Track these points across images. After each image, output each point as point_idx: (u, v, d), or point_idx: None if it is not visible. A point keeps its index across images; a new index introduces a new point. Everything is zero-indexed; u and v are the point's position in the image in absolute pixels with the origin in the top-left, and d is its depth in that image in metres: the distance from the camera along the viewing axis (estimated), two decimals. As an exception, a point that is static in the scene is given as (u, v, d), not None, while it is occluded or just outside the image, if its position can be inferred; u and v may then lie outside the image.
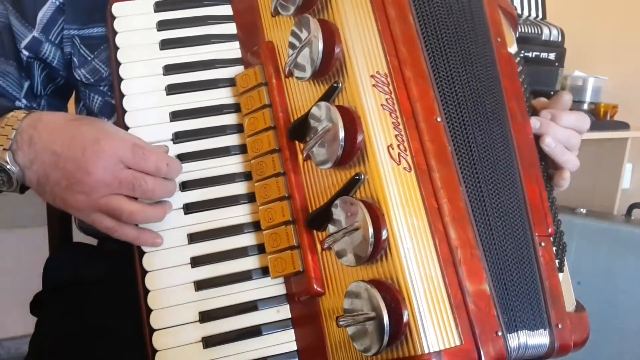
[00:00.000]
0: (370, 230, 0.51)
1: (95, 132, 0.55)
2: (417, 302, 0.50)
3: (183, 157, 0.64)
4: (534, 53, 1.31)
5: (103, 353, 0.67)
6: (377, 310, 0.49)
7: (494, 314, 0.52)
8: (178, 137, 0.64)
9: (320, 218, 0.57)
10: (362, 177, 0.54)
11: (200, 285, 0.60)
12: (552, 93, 0.84)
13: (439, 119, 0.58)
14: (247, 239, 0.62)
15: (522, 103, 0.63)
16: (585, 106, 2.00)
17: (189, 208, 0.62)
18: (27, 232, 1.60)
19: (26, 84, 0.73)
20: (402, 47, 0.58)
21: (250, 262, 0.61)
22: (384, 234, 0.51)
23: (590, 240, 1.70)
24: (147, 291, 0.60)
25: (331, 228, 0.55)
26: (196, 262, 0.61)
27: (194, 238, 0.61)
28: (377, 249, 0.51)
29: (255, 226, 0.62)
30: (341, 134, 0.53)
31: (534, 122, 0.63)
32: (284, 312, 0.60)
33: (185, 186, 0.63)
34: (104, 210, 0.56)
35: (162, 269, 0.60)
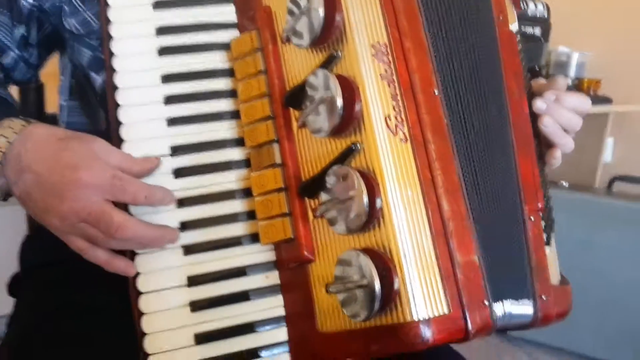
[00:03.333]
0: (365, 200, 0.51)
1: (77, 159, 0.54)
2: (408, 271, 0.51)
3: (174, 121, 0.63)
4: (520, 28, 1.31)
5: (87, 329, 0.66)
6: (369, 277, 0.50)
7: (481, 284, 0.54)
8: (169, 100, 0.63)
9: (313, 186, 0.57)
10: (358, 146, 0.54)
11: (189, 249, 0.60)
12: (537, 69, 0.85)
13: (436, 92, 0.58)
14: (237, 205, 0.62)
15: (521, 80, 0.64)
16: (570, 82, 2.04)
17: (179, 174, 0.61)
18: (5, 210, 1.56)
19: (20, 31, 0.70)
20: (403, 18, 0.58)
21: (240, 228, 0.61)
22: (378, 204, 0.52)
23: (572, 212, 1.74)
24: (134, 254, 0.59)
25: (324, 196, 0.55)
26: (185, 226, 0.60)
27: (183, 203, 0.61)
28: (371, 218, 0.52)
29: (247, 193, 0.62)
30: (339, 103, 0.53)
31: (540, 104, 0.63)
32: (272, 278, 0.60)
33: (176, 150, 0.62)
34: (77, 234, 0.55)
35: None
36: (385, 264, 0.51)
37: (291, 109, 0.60)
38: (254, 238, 0.61)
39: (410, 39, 0.58)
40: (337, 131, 0.55)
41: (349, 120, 0.54)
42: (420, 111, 0.56)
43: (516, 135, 0.62)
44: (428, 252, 0.52)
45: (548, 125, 0.65)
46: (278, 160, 0.60)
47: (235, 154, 0.63)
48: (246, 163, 0.63)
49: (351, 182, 0.52)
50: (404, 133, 0.55)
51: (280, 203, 0.58)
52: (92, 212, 0.54)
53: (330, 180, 0.54)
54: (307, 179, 0.58)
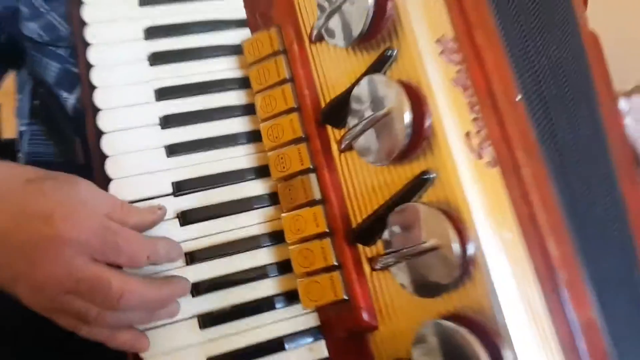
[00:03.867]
0: (456, 249, 0.37)
1: (53, 207, 0.39)
2: (521, 345, 0.37)
3: (175, 150, 0.48)
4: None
5: None
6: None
7: (605, 350, 0.41)
8: (167, 122, 0.49)
9: (372, 229, 0.43)
10: (431, 175, 0.40)
11: (206, 320, 0.45)
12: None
13: (519, 98, 0.45)
14: (264, 257, 0.47)
15: (611, 87, 0.51)
16: None
17: (186, 219, 0.47)
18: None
19: None
20: (469, 6, 0.45)
21: (269, 287, 0.47)
22: (470, 251, 0.38)
23: None
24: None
25: (388, 243, 0.41)
26: (198, 289, 0.46)
27: (194, 258, 0.46)
28: (462, 270, 0.38)
29: (274, 238, 0.48)
30: (407, 119, 0.39)
31: (624, 104, 0.51)
32: (318, 350, 0.46)
33: (180, 188, 0.47)
34: (61, 310, 0.40)
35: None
36: (488, 337, 0.37)
37: (329, 128, 0.46)
38: (290, 298, 0.46)
39: (481, 32, 0.44)
40: (401, 156, 0.41)
41: (417, 140, 0.41)
42: (505, 124, 0.43)
43: (614, 151, 0.49)
44: (539, 310, 0.39)
45: (630, 126, 0.52)
46: (317, 195, 0.46)
47: (256, 188, 0.49)
48: (271, 199, 0.49)
49: (430, 223, 0.38)
50: (490, 155, 0.41)
51: (326, 253, 0.44)
52: (83, 279, 0.39)
53: (396, 221, 0.40)
54: (359, 219, 0.44)
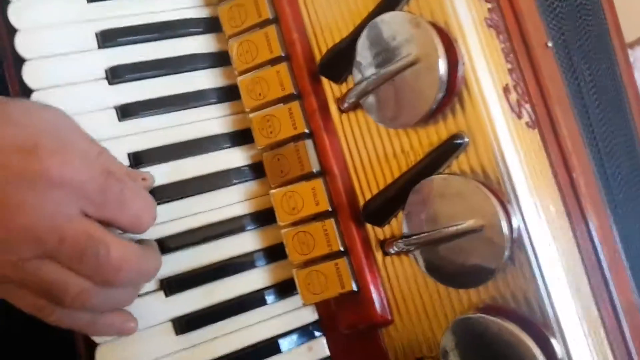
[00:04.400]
0: (504, 229, 0.30)
1: (34, 134, 0.28)
2: (571, 335, 0.32)
3: (128, 111, 0.38)
4: None
5: None
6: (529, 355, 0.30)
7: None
8: (116, 75, 0.38)
9: (385, 207, 0.35)
10: (465, 139, 0.33)
11: (183, 324, 0.36)
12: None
13: (550, 44, 0.38)
14: (248, 242, 0.39)
15: (622, 37, 0.45)
16: None
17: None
18: None
19: None
20: None
21: (258, 279, 0.39)
22: (516, 230, 0.32)
23: None
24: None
25: (409, 223, 0.34)
26: (171, 286, 0.37)
27: (163, 246, 0.37)
28: (509, 254, 0.32)
29: (260, 219, 0.39)
30: (441, 68, 0.31)
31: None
32: (319, 349, 0.39)
33: (139, 160, 0.37)
34: (30, 281, 0.29)
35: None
36: (535, 331, 0.31)
37: (325, 82, 0.37)
38: (282, 291, 0.39)
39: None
40: (426, 117, 0.33)
41: (446, 97, 0.33)
42: (540, 77, 0.36)
43: (633, 109, 0.44)
44: (588, 299, 0.34)
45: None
46: (316, 166, 0.37)
47: (234, 158, 0.40)
48: (254, 171, 0.40)
49: (469, 199, 0.31)
50: (529, 114, 0.35)
51: (329, 236, 0.36)
52: (70, 237, 0.28)
53: (420, 197, 0.33)
54: (368, 194, 0.36)
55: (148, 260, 0.32)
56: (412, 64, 0.31)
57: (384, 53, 0.33)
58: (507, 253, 0.31)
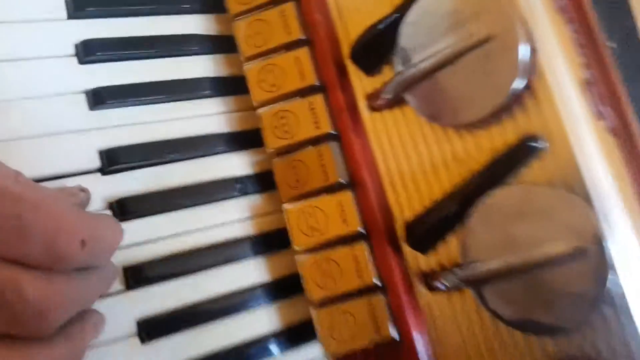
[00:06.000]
0: (609, 252, 0.23)
1: None
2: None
3: (100, 97, 0.29)
4: None
5: None
6: None
7: None
8: (89, 51, 0.29)
9: (436, 228, 0.28)
10: (542, 144, 0.26)
11: (162, 382, 0.27)
12: None
13: (609, 43, 0.32)
14: (249, 273, 0.30)
15: None
16: None
17: (123, 211, 0.28)
18: None
19: None
20: None
21: (262, 321, 0.30)
22: (608, 256, 0.25)
23: None
24: None
25: (469, 248, 0.26)
26: (150, 331, 0.27)
27: (138, 278, 0.28)
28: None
29: (265, 244, 0.31)
30: (522, 50, 0.25)
31: None
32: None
33: (111, 161, 0.28)
34: None
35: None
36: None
37: (352, 74, 0.30)
38: (295, 337, 0.30)
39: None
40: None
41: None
42: (610, 74, 0.30)
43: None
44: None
45: None
46: (343, 175, 0.29)
47: (233, 164, 0.31)
48: (258, 182, 0.31)
49: (564, 216, 0.24)
50: (609, 117, 0.28)
51: (361, 265, 0.28)
52: None
53: (490, 213, 0.26)
54: (407, 212, 0.29)
55: (88, 286, 0.23)
56: (484, 41, 0.25)
57: (438, 35, 0.27)
58: (605, 286, 0.24)
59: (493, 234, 0.25)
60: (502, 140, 0.27)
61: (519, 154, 0.26)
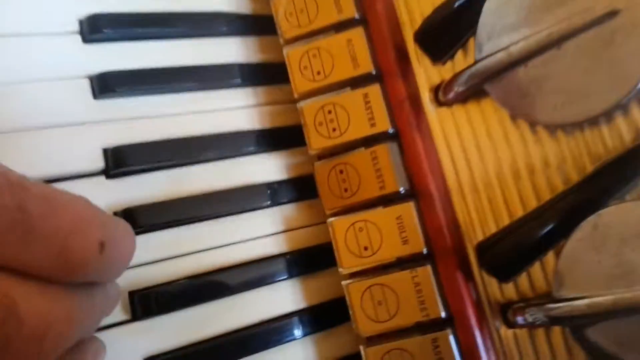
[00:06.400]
0: None
1: None
2: None
3: (107, 85, 0.24)
4: None
5: None
6: None
7: None
8: (94, 29, 0.24)
9: (527, 252, 0.22)
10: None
11: None
12: None
13: None
14: (284, 297, 0.25)
15: None
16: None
17: (131, 223, 0.23)
18: None
19: None
20: None
21: (298, 356, 0.24)
22: None
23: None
24: None
25: (565, 280, 0.21)
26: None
27: (149, 305, 0.22)
28: None
29: (302, 264, 0.25)
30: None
31: None
32: None
33: (118, 162, 0.23)
34: None
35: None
36: None
37: (415, 61, 0.25)
38: (338, 379, 0.24)
39: None
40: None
41: None
42: None
43: None
44: None
45: None
46: (404, 183, 0.24)
47: (264, 168, 0.26)
48: (295, 189, 0.26)
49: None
50: None
51: (425, 294, 0.23)
52: None
53: (596, 237, 0.20)
54: (483, 231, 0.23)
55: (93, 306, 0.18)
56: (605, 18, 0.20)
57: (535, 13, 0.22)
58: None
59: (603, 261, 0.20)
60: (613, 143, 0.22)
61: (637, 160, 0.21)
